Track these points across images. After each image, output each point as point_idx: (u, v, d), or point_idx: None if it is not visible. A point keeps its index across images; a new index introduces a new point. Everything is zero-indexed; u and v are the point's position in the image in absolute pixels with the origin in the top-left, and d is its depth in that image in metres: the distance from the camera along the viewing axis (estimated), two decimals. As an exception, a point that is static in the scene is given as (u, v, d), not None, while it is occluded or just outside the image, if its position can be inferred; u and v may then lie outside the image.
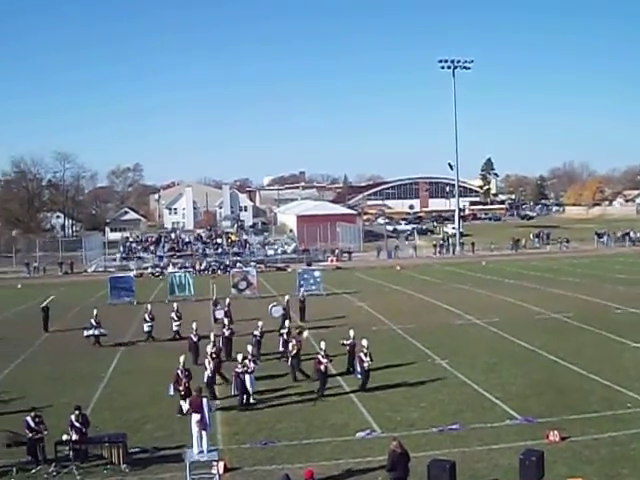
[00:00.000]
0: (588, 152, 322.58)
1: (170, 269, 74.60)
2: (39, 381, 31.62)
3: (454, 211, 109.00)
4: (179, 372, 26.08)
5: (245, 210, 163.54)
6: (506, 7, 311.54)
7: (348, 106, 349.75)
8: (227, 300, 44.22)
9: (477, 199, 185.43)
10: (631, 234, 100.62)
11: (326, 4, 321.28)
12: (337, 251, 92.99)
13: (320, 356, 27.72)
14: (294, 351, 30.47)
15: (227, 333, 34.48)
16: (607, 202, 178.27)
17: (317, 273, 59.27)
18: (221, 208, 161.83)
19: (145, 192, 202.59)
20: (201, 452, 20.07)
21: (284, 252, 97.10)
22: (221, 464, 19.71)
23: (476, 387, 27.97)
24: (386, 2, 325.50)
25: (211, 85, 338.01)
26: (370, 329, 38.95)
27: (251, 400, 26.97)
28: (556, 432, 21.65)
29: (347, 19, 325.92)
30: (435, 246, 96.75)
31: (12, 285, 74.98)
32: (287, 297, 44.55)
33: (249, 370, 27.11)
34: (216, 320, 41.66)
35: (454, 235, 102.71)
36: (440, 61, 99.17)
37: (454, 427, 23.14)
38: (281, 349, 33.80)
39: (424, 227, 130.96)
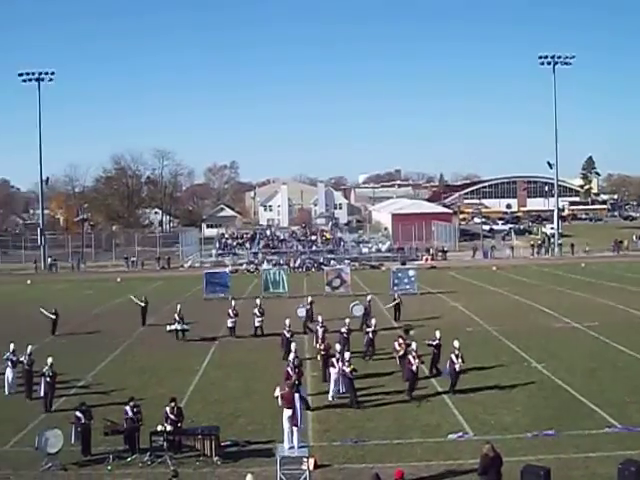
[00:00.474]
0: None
1: (265, 266, 75.34)
2: (135, 373, 32.29)
3: (553, 211, 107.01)
4: (289, 369, 26.17)
5: (340, 208, 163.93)
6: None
7: (445, 104, 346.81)
8: (309, 299, 44.32)
9: (577, 199, 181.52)
10: None
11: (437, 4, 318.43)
12: (432, 250, 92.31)
13: (411, 356, 27.50)
14: (401, 351, 30.26)
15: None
16: None
17: (411, 272, 58.95)
18: (316, 206, 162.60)
19: (241, 189, 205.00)
20: (292, 448, 20.10)
21: (378, 250, 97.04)
22: (311, 460, 19.73)
23: (573, 392, 27.32)
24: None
25: (308, 82, 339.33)
26: (464, 330, 38.56)
27: (329, 398, 27.04)
28: (657, 441, 21.00)
29: (452, 19, 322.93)
30: (533, 247, 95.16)
31: (112, 278, 76.80)
32: (369, 297, 44.27)
33: (337, 370, 27.06)
34: (309, 319, 41.63)
35: (553, 235, 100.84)
36: (540, 57, 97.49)
37: (549, 433, 22.64)
38: (365, 347, 33.72)
39: (521, 227, 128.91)
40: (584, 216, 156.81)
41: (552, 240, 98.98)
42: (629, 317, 43.73)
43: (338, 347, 29.12)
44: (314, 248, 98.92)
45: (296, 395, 21.16)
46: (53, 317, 41.96)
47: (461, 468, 19.89)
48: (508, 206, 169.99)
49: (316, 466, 20.04)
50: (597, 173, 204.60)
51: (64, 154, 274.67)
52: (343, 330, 33.65)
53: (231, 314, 40.47)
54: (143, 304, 45.02)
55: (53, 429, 21.00)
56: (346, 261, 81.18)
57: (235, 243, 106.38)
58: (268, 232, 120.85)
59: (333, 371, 27.21)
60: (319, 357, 30.54)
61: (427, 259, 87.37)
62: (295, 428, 20.43)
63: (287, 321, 34.69)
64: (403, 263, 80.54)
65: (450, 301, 52.47)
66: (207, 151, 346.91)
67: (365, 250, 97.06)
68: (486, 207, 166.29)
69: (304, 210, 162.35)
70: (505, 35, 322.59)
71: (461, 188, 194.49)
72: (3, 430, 24.20)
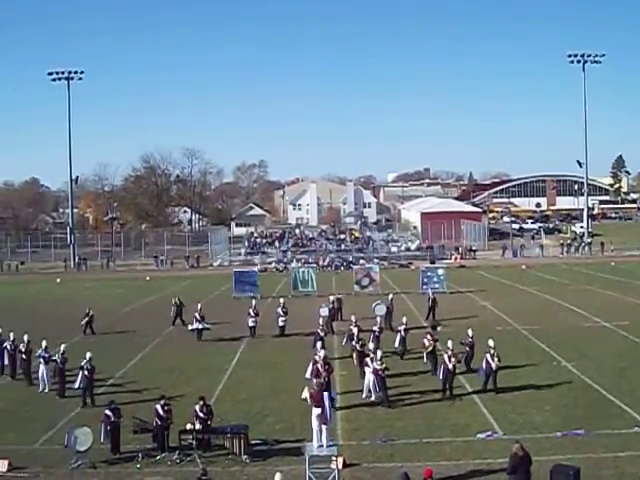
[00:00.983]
0: None
1: (294, 264, 75.41)
2: (164, 371, 32.47)
3: (582, 210, 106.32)
4: (319, 366, 26.19)
5: (369, 207, 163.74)
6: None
7: (474, 103, 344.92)
8: (331, 298, 44.23)
9: (607, 198, 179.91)
10: None
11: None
12: (461, 249, 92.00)
13: (447, 356, 27.45)
14: (430, 348, 30.35)
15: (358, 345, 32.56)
16: None
17: (441, 271, 58.84)
18: (345, 204, 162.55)
19: (270, 188, 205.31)
20: (321, 446, 20.12)
21: (407, 249, 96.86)
22: (340, 459, 19.74)
23: (604, 392, 27.12)
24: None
25: (338, 81, 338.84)
26: (494, 329, 38.38)
27: (364, 396, 27.01)
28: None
29: (483, 18, 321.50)
30: (562, 245, 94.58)
31: (141, 277, 77.32)
32: (391, 295, 44.18)
33: (372, 369, 27.03)
34: (333, 318, 41.59)
35: (583, 234, 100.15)
36: (570, 55, 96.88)
37: (579, 432, 22.50)
38: (397, 346, 33.73)
39: (551, 226, 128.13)
40: (614, 215, 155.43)
41: (583, 239, 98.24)
42: (660, 316, 43.31)
43: (372, 346, 29.16)
44: (343, 247, 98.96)
45: (325, 394, 21.17)
46: (86, 318, 42.20)
47: (490, 467, 19.82)
48: (537, 205, 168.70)
49: (345, 465, 20.06)
50: (627, 172, 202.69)
51: (94, 153, 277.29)
52: (375, 329, 33.64)
53: (252, 313, 40.24)
54: (177, 305, 44.71)
55: (82, 427, 21.16)
56: (375, 260, 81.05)
57: (264, 242, 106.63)
58: (297, 231, 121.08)
59: (368, 370, 27.23)
60: (355, 355, 30.68)
61: (456, 258, 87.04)
62: (324, 427, 20.43)
63: (321, 320, 34.78)
64: (432, 262, 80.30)
65: (479, 300, 52.28)
66: (236, 150, 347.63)
67: (394, 249, 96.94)
68: (515, 206, 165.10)
69: (333, 209, 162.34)
70: (534, 33, 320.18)
71: (490, 187, 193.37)
72: (33, 428, 24.46)
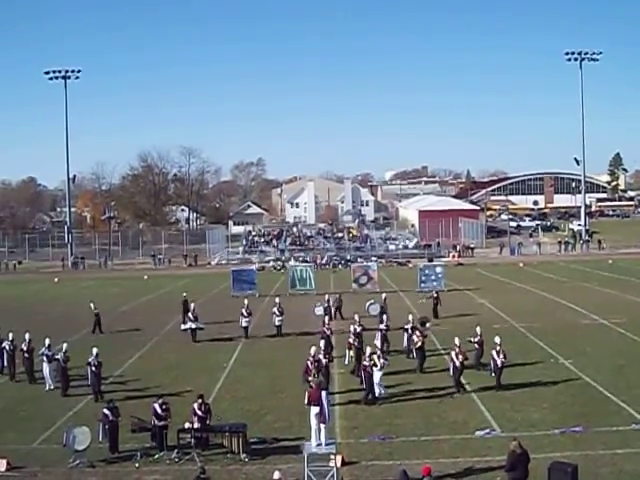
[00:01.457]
0: None
1: (292, 263, 75.37)
2: (163, 370, 32.49)
3: (580, 207, 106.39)
4: (309, 363, 26.29)
5: (367, 205, 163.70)
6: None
7: (471, 100, 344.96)
8: (327, 297, 44.00)
9: (604, 195, 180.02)
10: None
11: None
12: (459, 247, 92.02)
13: (454, 353, 27.51)
14: (419, 343, 30.46)
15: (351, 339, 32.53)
16: None
17: (438, 269, 58.87)
18: (343, 203, 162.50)
19: (268, 186, 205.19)
20: (319, 445, 20.14)
21: (405, 247, 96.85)
22: (339, 457, 19.76)
23: (601, 389, 27.18)
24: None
25: (335, 79, 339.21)
26: (492, 327, 38.37)
27: (378, 395, 26.97)
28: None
29: (479, 13, 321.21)
30: (560, 243, 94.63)
31: (139, 276, 77.32)
32: (384, 295, 44.02)
33: (378, 366, 27.12)
34: (333, 316, 41.59)
35: (580, 232, 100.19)
36: (567, 53, 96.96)
37: (577, 429, 22.55)
38: (405, 345, 33.78)
39: (549, 224, 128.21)
40: (611, 212, 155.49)
41: (581, 236, 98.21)
42: (658, 313, 43.38)
43: (378, 344, 29.22)
44: (341, 245, 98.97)
45: (323, 392, 21.18)
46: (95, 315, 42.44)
47: (488, 465, 19.87)
48: (535, 203, 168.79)
49: (343, 463, 20.09)
50: (624, 169, 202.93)
51: (91, 152, 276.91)
52: (382, 327, 33.62)
53: (244, 313, 39.86)
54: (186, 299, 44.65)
55: (81, 426, 21.19)
56: (373, 258, 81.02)
57: (262, 240, 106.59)
58: (295, 229, 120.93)
59: (375, 368, 27.22)
60: (351, 352, 30.73)
61: (454, 256, 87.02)
62: (322, 425, 20.44)
63: (326, 318, 34.97)
64: (430, 260, 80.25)
65: (477, 298, 52.33)
66: (234, 148, 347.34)
67: (392, 247, 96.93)
68: (513, 204, 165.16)
69: (331, 207, 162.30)
70: (532, 31, 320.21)
71: (488, 185, 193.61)
72: (32, 427, 24.49)
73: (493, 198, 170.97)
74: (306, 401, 21.19)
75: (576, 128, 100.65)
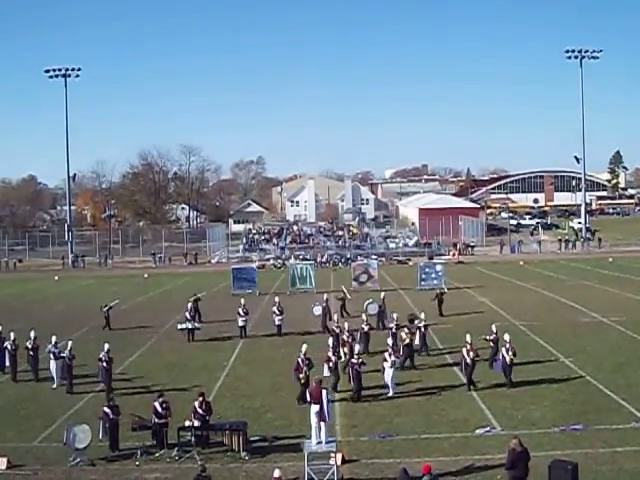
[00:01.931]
0: None
1: (292, 261, 75.34)
2: (163, 368, 32.50)
3: (580, 205, 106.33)
4: (299, 360, 26.36)
5: (367, 203, 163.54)
6: None
7: (471, 99, 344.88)
8: (325, 296, 43.51)
9: (605, 193, 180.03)
10: None
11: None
12: (459, 245, 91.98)
13: (465, 350, 27.58)
14: (407, 340, 30.73)
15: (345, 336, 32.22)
16: None
17: (439, 267, 58.88)
18: (343, 201, 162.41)
19: (268, 184, 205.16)
20: (319, 443, 20.14)
21: (405, 245, 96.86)
22: (339, 455, 19.78)
23: (601, 387, 27.17)
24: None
25: (335, 78, 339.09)
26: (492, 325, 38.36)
27: (390, 394, 26.99)
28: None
29: (481, 16, 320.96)
30: (560, 241, 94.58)
31: (139, 274, 77.33)
32: (383, 294, 43.85)
33: (390, 363, 27.17)
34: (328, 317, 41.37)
35: (581, 230, 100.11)
36: (567, 51, 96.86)
37: (577, 427, 22.54)
38: (417, 343, 33.68)
39: (549, 222, 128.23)
40: (611, 211, 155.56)
41: (586, 234, 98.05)
42: (658, 311, 43.37)
43: (390, 341, 29.26)
44: (341, 243, 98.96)
45: (323, 391, 21.19)
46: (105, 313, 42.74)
47: (489, 463, 19.85)
48: (535, 201, 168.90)
49: (344, 461, 20.09)
50: (625, 167, 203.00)
51: (91, 150, 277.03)
52: (391, 325, 33.55)
53: (241, 313, 39.47)
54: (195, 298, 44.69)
55: (81, 425, 21.19)
56: (373, 256, 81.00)
57: (262, 239, 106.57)
58: (295, 227, 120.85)
59: (386, 365, 27.33)
60: (345, 349, 30.72)
61: (454, 254, 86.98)
62: (323, 423, 20.44)
63: (336, 317, 34.90)
64: (430, 258, 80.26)
65: (477, 296, 52.32)
66: (234, 147, 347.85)
67: (392, 245, 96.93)
68: (513, 202, 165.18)
69: (331, 205, 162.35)
70: (532, 29, 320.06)
71: (488, 183, 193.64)
72: (32, 425, 24.50)
73: (493, 196, 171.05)
74: (308, 398, 21.19)
75: (576, 126, 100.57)
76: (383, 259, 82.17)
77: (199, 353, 35.64)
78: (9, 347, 31.50)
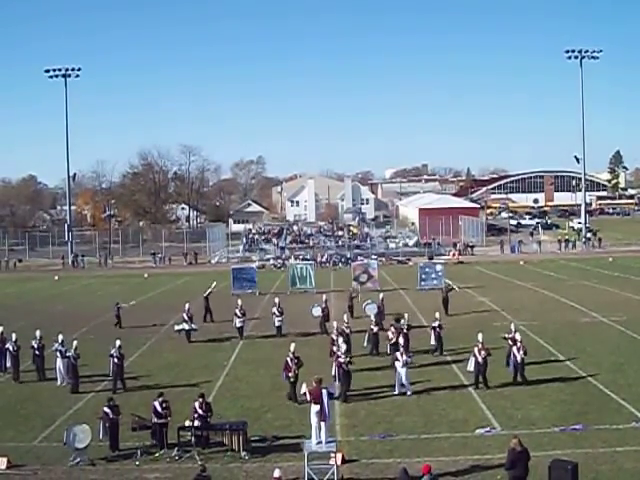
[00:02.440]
0: None
1: (292, 261, 75.33)
2: (163, 368, 32.49)
3: (580, 205, 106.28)
4: (289, 359, 26.48)
5: (367, 203, 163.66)
6: None
7: (471, 99, 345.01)
8: (324, 297, 43.27)
9: (605, 193, 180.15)
10: None
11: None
12: (459, 245, 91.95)
13: (476, 349, 27.63)
14: (393, 340, 30.87)
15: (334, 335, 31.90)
16: None
17: (439, 267, 58.86)
18: (343, 201, 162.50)
19: (268, 184, 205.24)
20: (319, 443, 20.11)
21: (405, 245, 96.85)
22: (339, 455, 19.79)
23: (601, 387, 27.18)
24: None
25: (335, 77, 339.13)
26: (492, 325, 38.38)
27: (408, 393, 27.01)
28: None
29: (480, 13, 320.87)
30: (560, 241, 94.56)
31: (139, 274, 77.30)
32: (382, 295, 43.75)
33: (402, 363, 27.19)
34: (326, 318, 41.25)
35: (582, 230, 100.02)
36: (567, 51, 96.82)
37: (577, 427, 22.55)
38: (432, 343, 33.86)
39: (549, 222, 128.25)
40: (611, 211, 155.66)
41: (587, 234, 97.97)
42: (658, 311, 43.36)
43: (402, 341, 29.28)
44: (341, 243, 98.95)
45: (323, 390, 21.18)
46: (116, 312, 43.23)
47: (488, 463, 19.87)
48: (535, 201, 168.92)
49: (344, 461, 20.10)
50: (625, 167, 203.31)
51: (91, 150, 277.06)
52: (403, 326, 33.50)
53: (238, 314, 39.10)
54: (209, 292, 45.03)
55: (81, 424, 21.21)
56: (373, 256, 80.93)
57: (262, 238, 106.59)
58: (295, 227, 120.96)
59: (398, 365, 27.36)
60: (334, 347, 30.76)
61: (454, 254, 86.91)
62: (323, 423, 20.41)
63: (345, 317, 35.28)
64: (430, 258, 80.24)
65: (477, 296, 52.27)
66: (234, 146, 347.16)
67: (392, 245, 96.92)
68: (513, 202, 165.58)
69: (331, 205, 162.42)
70: (532, 29, 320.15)
71: (488, 183, 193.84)
72: (32, 425, 24.52)
73: (493, 196, 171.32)
74: (307, 398, 21.19)
75: (576, 126, 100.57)
76: (383, 259, 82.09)
77: (199, 353, 35.63)
78: (11, 348, 31.36)
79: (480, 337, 28.14)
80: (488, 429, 22.81)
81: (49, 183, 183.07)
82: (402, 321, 34.11)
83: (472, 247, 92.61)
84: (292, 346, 27.32)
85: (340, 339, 29.65)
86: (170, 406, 22.16)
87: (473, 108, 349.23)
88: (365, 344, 34.00)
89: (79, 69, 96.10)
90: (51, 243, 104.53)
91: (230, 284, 57.82)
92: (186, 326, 38.64)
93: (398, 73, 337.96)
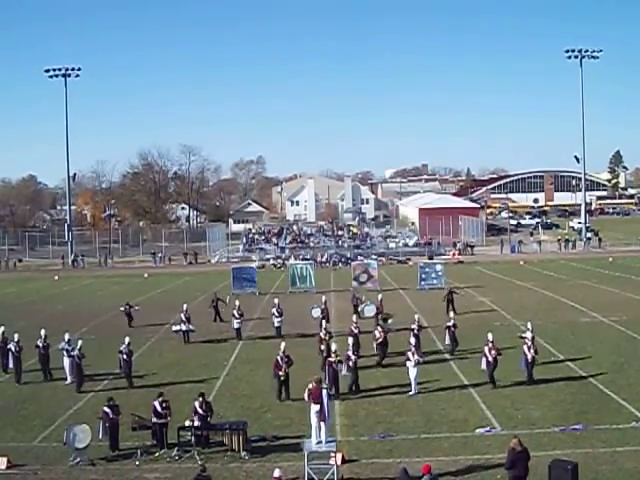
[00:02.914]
0: None
1: (292, 261, 75.32)
2: (163, 368, 32.48)
3: (580, 205, 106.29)
4: (279, 358, 26.61)
5: (367, 203, 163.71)
6: None
7: (471, 99, 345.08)
8: (323, 298, 42.75)
9: (605, 193, 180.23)
10: None
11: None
12: (459, 245, 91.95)
13: (487, 348, 27.68)
14: (380, 339, 31.15)
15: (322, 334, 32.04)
16: None
17: (439, 267, 58.87)
18: (343, 201, 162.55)
19: (268, 184, 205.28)
20: (319, 443, 20.12)
21: (405, 245, 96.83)
22: (339, 455, 19.79)
23: (601, 387, 27.18)
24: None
25: (335, 77, 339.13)
26: (492, 324, 38.33)
27: (413, 392, 27.04)
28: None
29: (479, 14, 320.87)
30: (560, 241, 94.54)
31: (139, 274, 77.27)
32: (380, 296, 43.43)
33: (414, 362, 27.24)
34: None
35: (586, 229, 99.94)
36: (567, 51, 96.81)
37: (577, 427, 22.55)
38: (447, 343, 33.84)
39: (549, 221, 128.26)
40: (611, 210, 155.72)
41: (587, 234, 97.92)
42: (658, 311, 43.36)
43: (413, 341, 29.34)
44: (341, 243, 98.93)
45: (323, 391, 21.18)
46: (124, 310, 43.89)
47: (488, 463, 19.87)
48: (535, 200, 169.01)
49: (344, 461, 20.10)
50: (625, 167, 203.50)
51: (91, 150, 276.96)
52: (414, 326, 33.34)
53: (236, 315, 39.00)
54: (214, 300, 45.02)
55: (81, 424, 21.21)
56: (373, 256, 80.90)
57: (262, 238, 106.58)
58: (295, 227, 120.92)
59: (410, 364, 27.38)
60: (322, 346, 30.76)
61: (454, 254, 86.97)
62: (323, 423, 20.42)
63: (354, 317, 35.21)
64: (430, 258, 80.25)
65: (477, 296, 52.26)
66: (234, 146, 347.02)
67: (392, 245, 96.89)
68: (513, 201, 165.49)
69: (331, 205, 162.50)
70: (532, 29, 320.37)
71: (488, 182, 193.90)
72: (32, 425, 24.53)
73: (493, 196, 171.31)
74: (306, 397, 21.17)
75: (576, 126, 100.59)
76: (383, 259, 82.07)
77: (199, 353, 35.63)
78: (13, 349, 31.13)
79: (490, 336, 28.17)
80: (488, 429, 22.81)
81: (49, 183, 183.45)
82: (389, 321, 34.15)
83: (472, 247, 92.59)
84: (282, 345, 27.60)
85: (350, 339, 29.93)
86: (170, 406, 22.14)
87: (473, 108, 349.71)
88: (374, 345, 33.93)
89: (79, 69, 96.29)
90: (51, 243, 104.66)
91: (230, 284, 57.79)
92: (184, 327, 38.47)
93: (398, 73, 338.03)
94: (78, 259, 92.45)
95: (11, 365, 31.43)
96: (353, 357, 28.02)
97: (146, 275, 75.70)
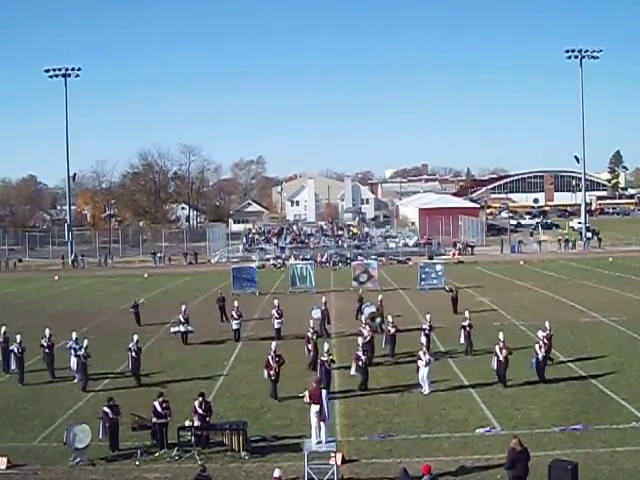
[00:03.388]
0: None
1: (291, 261, 75.29)
2: (163, 368, 32.47)
3: (580, 205, 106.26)
4: (270, 358, 26.78)
5: (367, 203, 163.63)
6: None
7: (471, 98, 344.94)
8: (323, 299, 42.56)
9: (605, 193, 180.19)
10: None
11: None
12: (459, 245, 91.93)
13: (498, 347, 27.67)
14: (368, 338, 31.22)
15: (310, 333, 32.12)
16: None
17: (439, 267, 58.84)
18: (343, 201, 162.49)
19: (268, 184, 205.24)
20: (319, 443, 20.11)
21: (405, 245, 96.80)
22: (339, 455, 19.79)
23: (602, 387, 27.19)
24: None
25: (335, 76, 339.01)
26: (492, 324, 38.37)
27: (426, 391, 27.06)
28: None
29: (479, 13, 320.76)
30: (560, 241, 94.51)
31: (139, 274, 77.25)
32: (380, 297, 43.01)
33: (425, 362, 27.27)
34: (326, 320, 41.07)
35: (586, 229, 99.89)
36: (567, 51, 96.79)
37: (577, 427, 22.55)
38: (462, 342, 33.76)
39: (549, 221, 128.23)
40: (611, 210, 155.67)
41: (587, 234, 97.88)
42: (658, 311, 43.35)
43: (424, 341, 29.25)
44: (341, 243, 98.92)
45: (323, 391, 21.17)
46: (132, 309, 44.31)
47: (488, 463, 19.87)
48: (535, 200, 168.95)
49: (344, 461, 20.10)
50: (625, 167, 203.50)
51: (91, 150, 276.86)
52: (425, 326, 33.38)
53: (235, 315, 38.91)
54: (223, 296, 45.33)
55: (81, 424, 21.21)
56: (373, 256, 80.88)
57: (262, 238, 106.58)
58: (295, 227, 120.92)
59: (421, 364, 27.39)
60: (310, 345, 31.06)
61: (454, 254, 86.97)
62: (323, 423, 20.42)
63: (363, 317, 35.91)
64: (430, 258, 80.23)
65: (477, 296, 52.25)
66: (234, 146, 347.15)
67: (392, 245, 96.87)
68: (513, 201, 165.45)
69: (331, 205, 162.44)
70: (532, 29, 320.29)
71: (488, 182, 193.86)
72: (32, 425, 24.54)
73: (493, 196, 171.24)
74: (307, 399, 21.16)
75: (576, 126, 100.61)
76: (383, 259, 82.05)
77: (199, 353, 35.64)
78: (15, 350, 30.99)
79: (501, 336, 28.21)
80: (488, 429, 22.81)
81: (49, 183, 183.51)
82: (378, 320, 34.15)
83: (472, 247, 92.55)
84: (273, 345, 27.80)
85: (360, 339, 30.07)
86: (170, 406, 22.15)
87: (473, 107, 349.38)
88: (383, 345, 33.81)
89: (79, 69, 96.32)
90: (51, 243, 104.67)
91: (230, 284, 57.76)
92: (182, 328, 38.36)
93: (398, 73, 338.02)
94: (78, 259, 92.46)
95: (13, 366, 31.34)
96: (363, 357, 28.03)
97: (146, 275, 75.68)
